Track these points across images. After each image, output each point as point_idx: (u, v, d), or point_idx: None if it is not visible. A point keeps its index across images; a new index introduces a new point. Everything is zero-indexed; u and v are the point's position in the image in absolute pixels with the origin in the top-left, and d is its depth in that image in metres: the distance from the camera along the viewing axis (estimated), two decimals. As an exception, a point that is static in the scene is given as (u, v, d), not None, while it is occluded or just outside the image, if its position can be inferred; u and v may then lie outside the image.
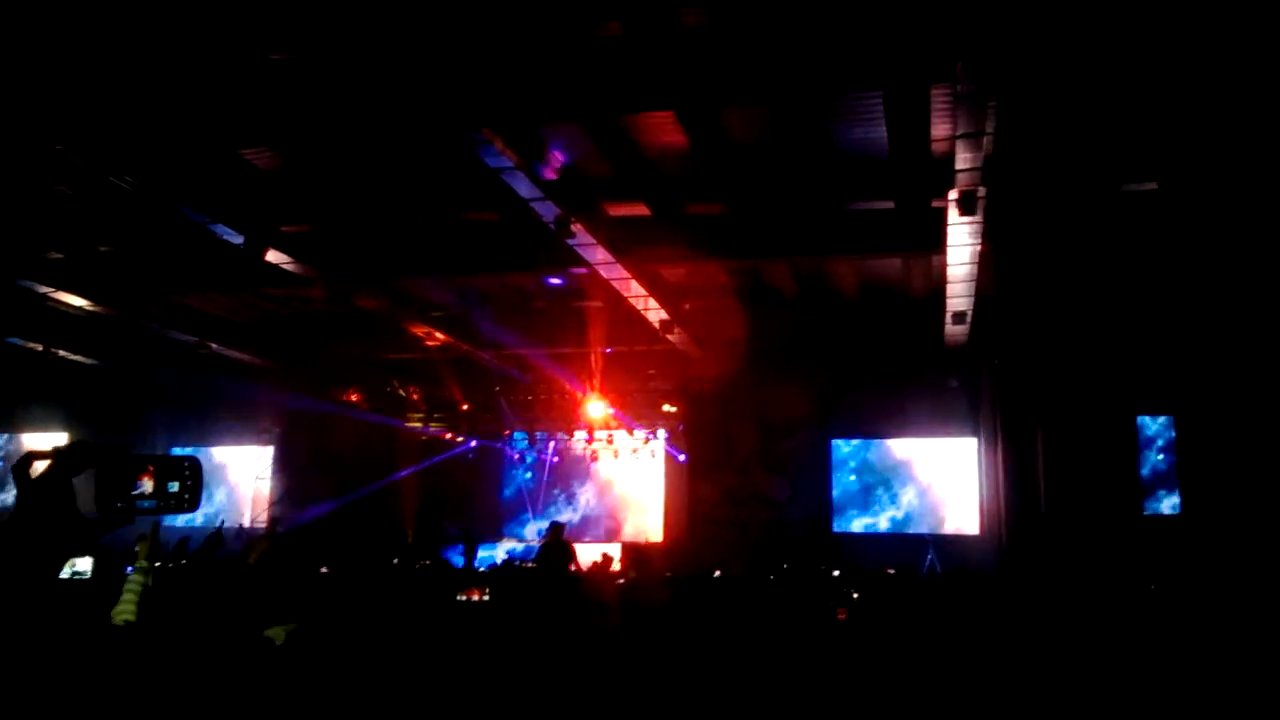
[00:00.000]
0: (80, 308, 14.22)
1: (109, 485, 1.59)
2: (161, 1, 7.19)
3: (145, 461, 1.65)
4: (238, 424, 19.05)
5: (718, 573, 12.15)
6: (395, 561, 12.29)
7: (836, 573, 11.49)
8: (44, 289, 13.17)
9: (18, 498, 1.51)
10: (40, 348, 16.53)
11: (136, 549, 2.71)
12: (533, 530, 18.67)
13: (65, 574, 6.12)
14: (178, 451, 19.44)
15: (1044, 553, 8.44)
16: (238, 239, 11.15)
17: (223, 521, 15.34)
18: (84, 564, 6.41)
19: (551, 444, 19.24)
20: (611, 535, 18.58)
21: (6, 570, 1.46)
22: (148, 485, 1.64)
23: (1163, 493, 14.77)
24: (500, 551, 18.04)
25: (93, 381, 18.07)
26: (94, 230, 12.11)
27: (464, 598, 4.38)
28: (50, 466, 1.56)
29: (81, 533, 1.55)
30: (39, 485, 1.52)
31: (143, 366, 18.02)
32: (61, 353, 16.95)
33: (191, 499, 1.66)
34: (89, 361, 17.66)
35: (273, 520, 18.77)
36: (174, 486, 1.66)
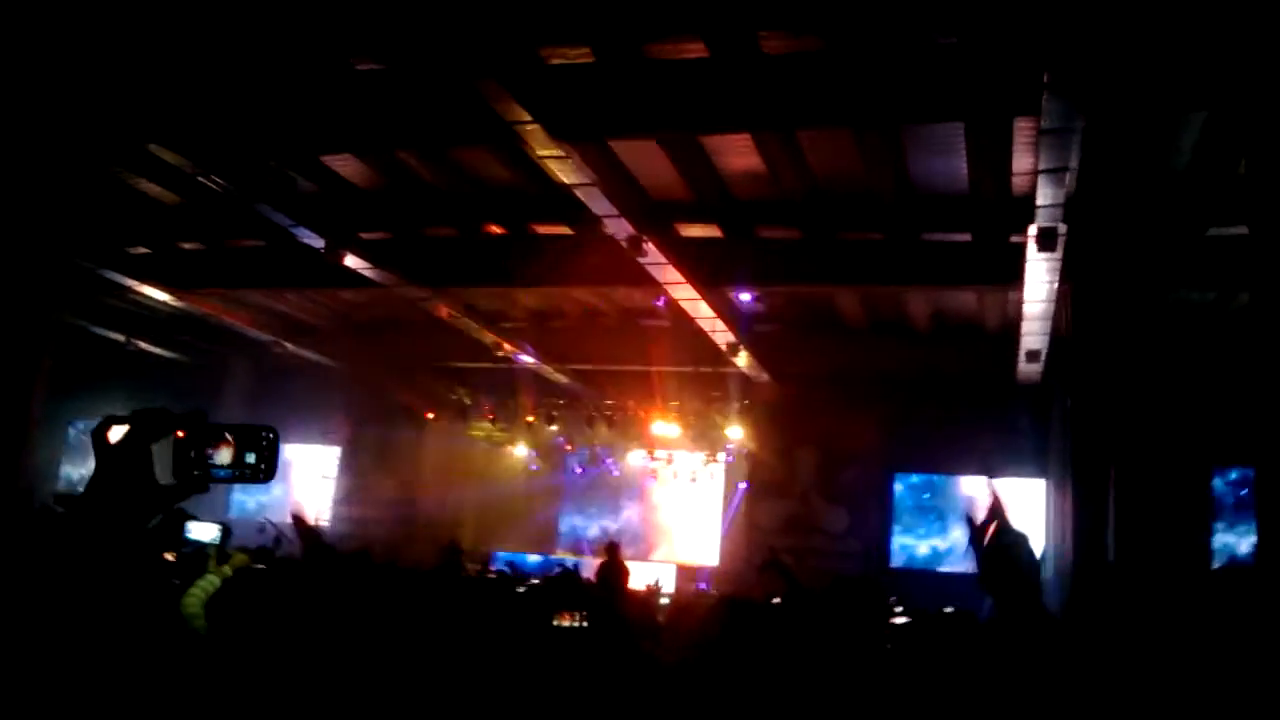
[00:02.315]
0: (162, 302, 14.64)
1: (186, 452, 1.60)
2: (258, 8, 7.40)
3: (223, 430, 1.65)
4: (306, 423, 19.37)
5: (776, 600, 12.00)
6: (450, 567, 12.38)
7: (898, 612, 11.28)
8: (128, 280, 13.58)
9: (96, 463, 1.52)
10: (122, 339, 17.05)
11: (209, 551, 2.75)
12: (569, 529, 18.80)
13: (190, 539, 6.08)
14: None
15: (1110, 601, 8.20)
16: (318, 243, 11.41)
17: (266, 519, 15.60)
18: (209, 533, 6.32)
19: (610, 460, 19.25)
20: (647, 554, 18.52)
21: (85, 536, 1.47)
22: (225, 454, 1.64)
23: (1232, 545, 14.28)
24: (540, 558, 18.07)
25: (169, 375, 18.55)
26: (180, 227, 12.47)
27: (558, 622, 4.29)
28: (128, 432, 1.57)
29: (157, 499, 1.56)
30: (116, 451, 1.53)
31: (219, 361, 18.49)
32: (141, 344, 17.47)
33: (268, 469, 1.66)
34: (167, 355, 18.17)
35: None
36: (251, 457, 1.65)
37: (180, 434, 1.60)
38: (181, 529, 6.17)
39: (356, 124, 9.10)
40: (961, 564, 16.20)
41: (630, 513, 19.66)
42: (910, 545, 16.67)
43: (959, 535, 16.46)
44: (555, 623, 3.98)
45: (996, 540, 2.62)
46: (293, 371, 18.10)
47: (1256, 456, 5.22)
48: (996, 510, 2.65)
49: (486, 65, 7.29)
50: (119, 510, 1.53)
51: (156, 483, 1.57)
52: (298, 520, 4.20)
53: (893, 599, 11.00)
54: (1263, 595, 4.67)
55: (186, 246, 13.23)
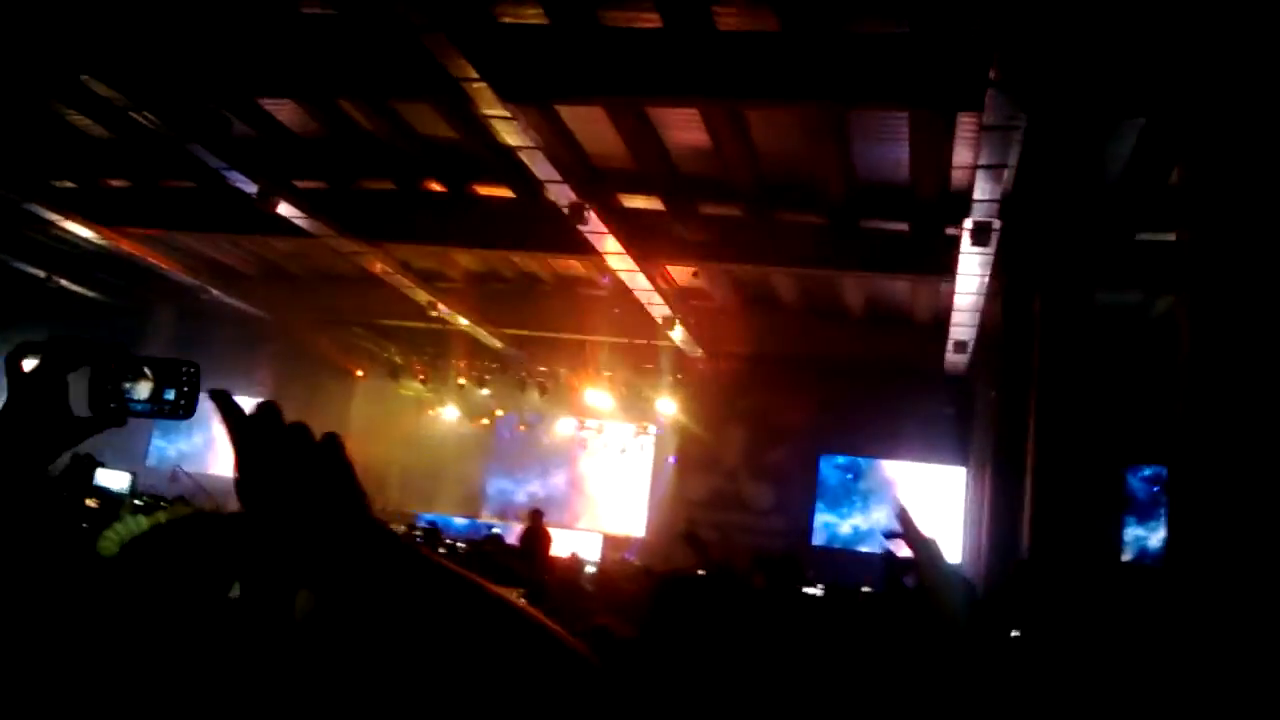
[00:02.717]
0: (86, 239, 14.18)
1: (103, 384, 1.52)
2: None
3: (143, 363, 1.57)
4: (230, 373, 18.95)
5: (700, 573, 12.13)
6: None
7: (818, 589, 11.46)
8: (52, 215, 13.11)
9: (9, 391, 1.45)
10: (42, 274, 16.49)
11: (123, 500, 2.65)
12: (497, 493, 18.80)
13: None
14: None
15: (1020, 594, 8.43)
16: (251, 188, 11.12)
17: (179, 469, 15.31)
18: (120, 480, 6.10)
19: (539, 425, 19.22)
20: (573, 521, 18.57)
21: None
22: (144, 388, 1.56)
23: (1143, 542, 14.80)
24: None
25: (90, 315, 18.00)
26: (107, 163, 12.06)
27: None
28: (42, 360, 1.50)
29: (72, 431, 1.49)
30: (30, 379, 1.46)
31: (142, 304, 17.99)
32: (63, 282, 16.91)
33: (188, 405, 1.58)
34: (89, 294, 17.61)
35: None
36: (170, 393, 1.57)
37: (98, 365, 1.53)
38: (91, 474, 5.97)
39: (299, 69, 8.86)
40: (882, 546, 16.54)
41: (558, 479, 19.65)
42: (833, 524, 16.95)
43: (880, 517, 16.80)
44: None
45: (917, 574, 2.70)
46: (219, 319, 17.68)
47: (1169, 456, 5.37)
48: (906, 526, 2.70)
49: (436, 18, 7.15)
50: (31, 440, 1.46)
51: (71, 414, 1.50)
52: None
53: (810, 575, 11.19)
54: (1171, 590, 4.83)
55: (114, 184, 12.82)
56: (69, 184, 12.70)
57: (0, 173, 11.68)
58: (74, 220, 13.29)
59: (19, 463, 1.42)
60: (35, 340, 1.51)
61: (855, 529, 16.93)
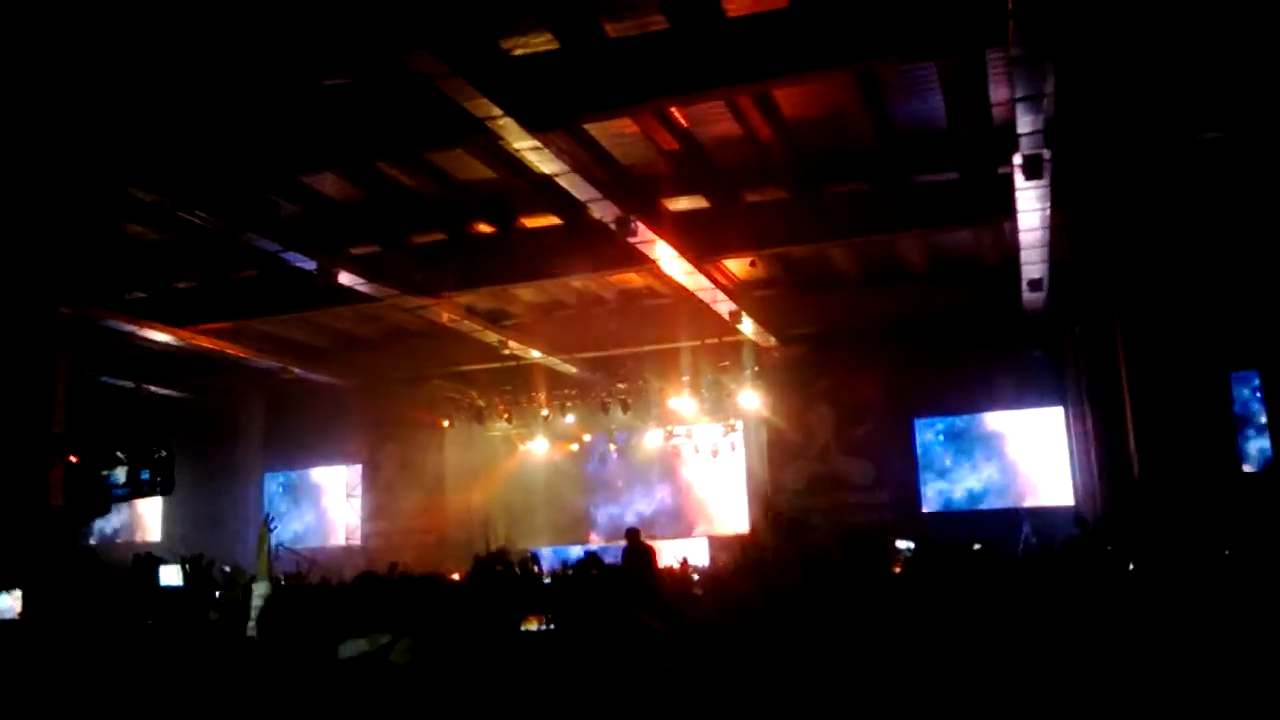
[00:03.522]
0: (165, 343, 14.68)
1: (79, 475, 1.57)
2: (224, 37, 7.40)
3: (114, 447, 1.62)
4: (326, 445, 19.45)
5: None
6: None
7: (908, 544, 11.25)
8: (129, 326, 13.61)
9: None
10: (131, 384, 17.11)
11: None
12: (606, 518, 18.83)
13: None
14: (271, 476, 20.07)
15: (1140, 518, 8.20)
16: (310, 265, 11.40)
17: (282, 546, 15.61)
18: (175, 575, 6.18)
19: (630, 442, 19.30)
20: (689, 531, 18.62)
21: None
22: (120, 473, 1.61)
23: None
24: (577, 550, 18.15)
25: (184, 416, 18.62)
26: (172, 266, 12.51)
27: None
28: (15, 460, 1.55)
29: (55, 523, 1.54)
30: (7, 476, 1.51)
31: (232, 396, 18.57)
32: (152, 388, 17.53)
33: (165, 481, 1.63)
34: (179, 395, 18.23)
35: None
36: (145, 473, 1.62)
37: (71, 458, 1.59)
38: (153, 573, 6.03)
39: (331, 139, 9.11)
40: (999, 501, 16.20)
41: (661, 493, 19.73)
42: (946, 490, 16.65)
43: (989, 472, 16.48)
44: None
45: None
46: (305, 396, 18.16)
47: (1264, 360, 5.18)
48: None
49: (451, 64, 7.27)
50: (13, 538, 1.52)
51: (50, 507, 1.56)
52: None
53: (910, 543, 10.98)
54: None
55: (182, 285, 13.28)
56: (140, 294, 13.19)
57: (74, 292, 12.18)
58: (150, 327, 13.78)
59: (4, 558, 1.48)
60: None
61: (969, 491, 16.61)
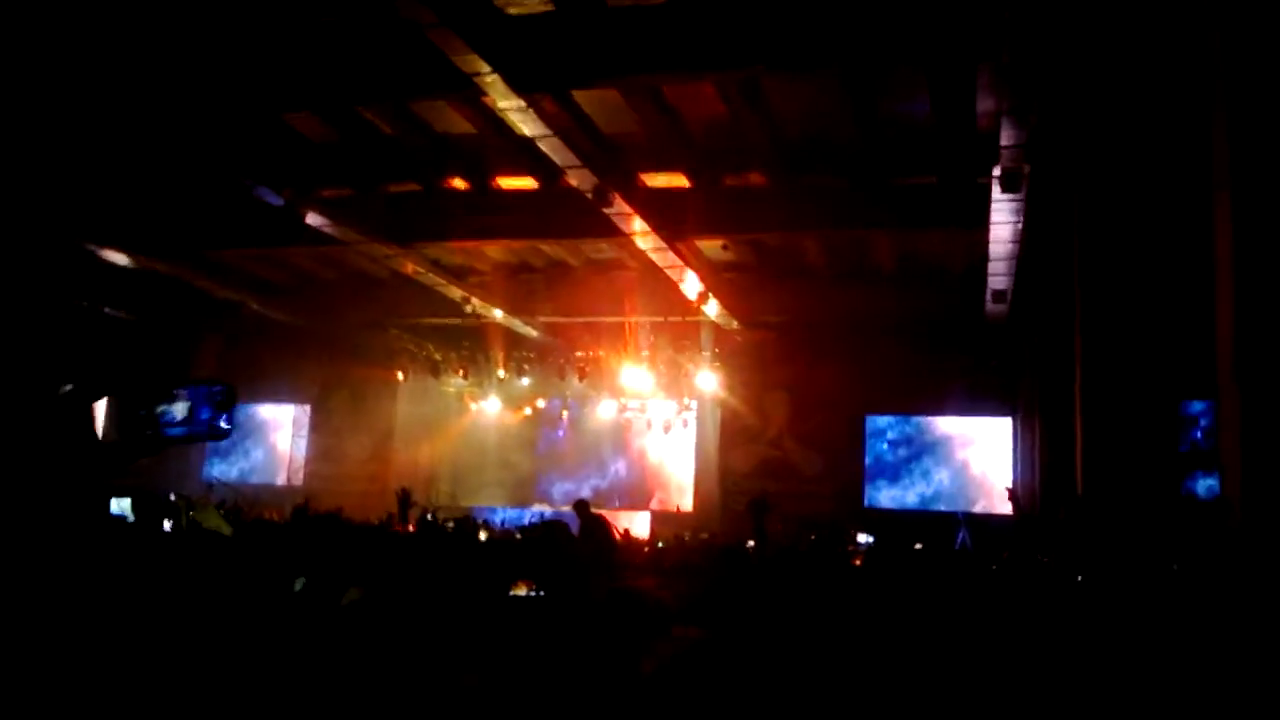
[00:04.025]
0: (125, 264, 14.38)
1: (134, 412, 1.51)
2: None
3: (174, 386, 1.55)
4: (278, 384, 19.23)
5: (750, 544, 12.14)
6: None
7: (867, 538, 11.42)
8: (90, 246, 13.33)
9: (33, 423, 1.44)
10: (85, 304, 16.75)
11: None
12: (562, 494, 18.82)
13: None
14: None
15: (1080, 533, 8.36)
16: (277, 201, 11.23)
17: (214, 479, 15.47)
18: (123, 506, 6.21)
19: (583, 410, 19.32)
20: (641, 504, 18.70)
21: (32, 498, 1.40)
22: (178, 412, 1.55)
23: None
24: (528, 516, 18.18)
25: (137, 340, 18.28)
26: (140, 187, 12.23)
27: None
28: (71, 391, 1.49)
29: (104, 460, 1.49)
30: (59, 410, 1.46)
31: (187, 326, 18.25)
32: (105, 310, 17.18)
33: (224, 427, 1.58)
34: (133, 318, 17.88)
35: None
36: (205, 415, 1.56)
37: (126, 394, 1.52)
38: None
39: (315, 79, 8.94)
40: (939, 505, 16.46)
41: (614, 465, 19.81)
42: (889, 488, 16.89)
43: (936, 476, 16.72)
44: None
45: None
46: (261, 334, 17.91)
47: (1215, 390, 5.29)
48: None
49: (444, 15, 7.16)
50: (60, 469, 1.46)
51: (98, 442, 1.50)
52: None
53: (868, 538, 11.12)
54: (1228, 529, 4.77)
55: (148, 206, 13.00)
56: (107, 216, 12.89)
57: (43, 211, 11.88)
58: (113, 250, 13.51)
59: (49, 491, 1.43)
60: (64, 372, 1.51)
61: (910, 491, 16.86)
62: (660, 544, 12.29)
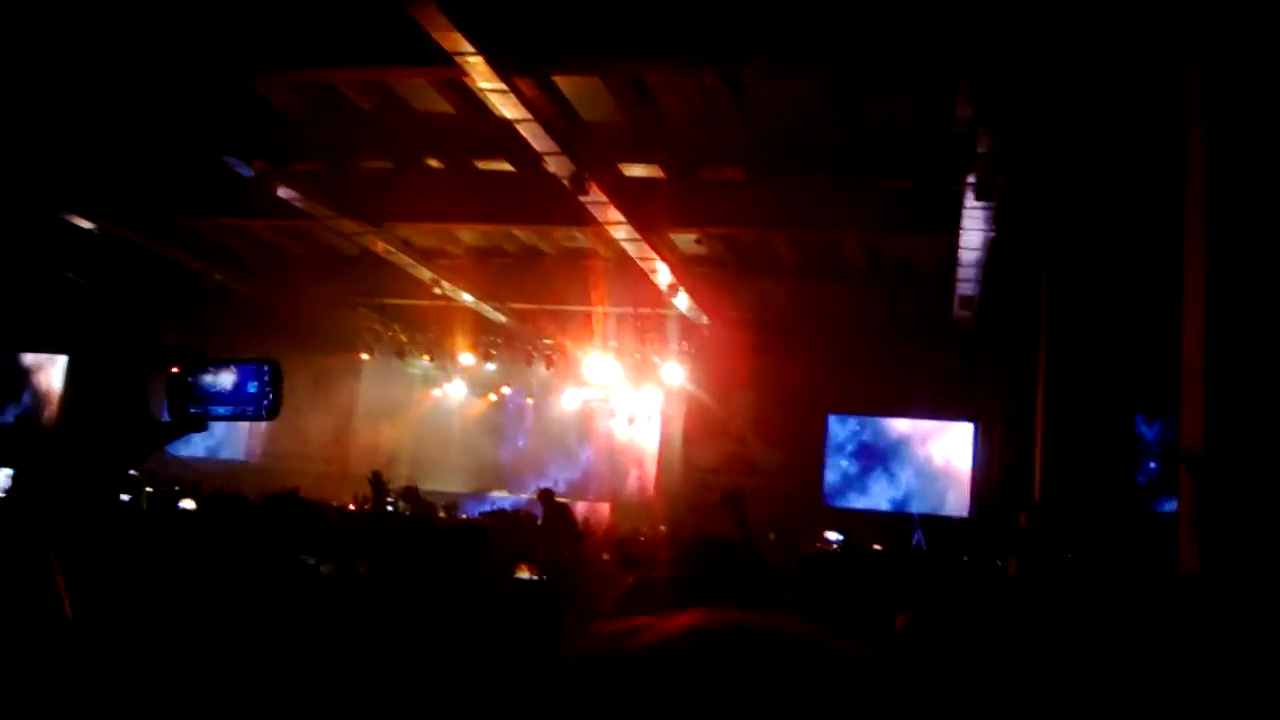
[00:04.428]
0: (90, 230, 14.14)
1: (182, 389, 1.46)
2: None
3: (220, 364, 1.51)
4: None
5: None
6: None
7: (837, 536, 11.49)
8: (58, 212, 13.09)
9: (82, 396, 1.41)
10: (47, 269, 16.45)
11: None
12: (523, 483, 18.76)
13: None
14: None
15: (1038, 539, 8.47)
16: (247, 172, 11.08)
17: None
18: None
19: (548, 398, 19.28)
20: (606, 495, 18.69)
21: (77, 475, 1.36)
22: (224, 388, 1.49)
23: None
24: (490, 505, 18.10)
25: (96, 307, 17.98)
26: (110, 152, 12.02)
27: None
28: (119, 363, 1.45)
29: (152, 436, 1.44)
30: (111, 385, 1.42)
31: (150, 293, 17.94)
32: (69, 276, 16.88)
33: (272, 406, 1.52)
34: (94, 284, 17.57)
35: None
36: (253, 387, 1.51)
37: (175, 368, 1.47)
38: None
39: (290, 49, 8.81)
40: (896, 504, 16.61)
41: (577, 454, 19.77)
42: (848, 487, 17.01)
43: (895, 476, 16.87)
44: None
45: None
46: (223, 304, 17.65)
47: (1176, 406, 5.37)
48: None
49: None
50: (109, 445, 1.41)
51: (151, 419, 1.45)
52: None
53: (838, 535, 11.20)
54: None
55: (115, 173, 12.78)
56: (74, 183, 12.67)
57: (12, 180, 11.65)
58: (80, 217, 13.27)
59: (99, 468, 1.38)
60: (108, 344, 1.46)
61: (869, 491, 16.99)
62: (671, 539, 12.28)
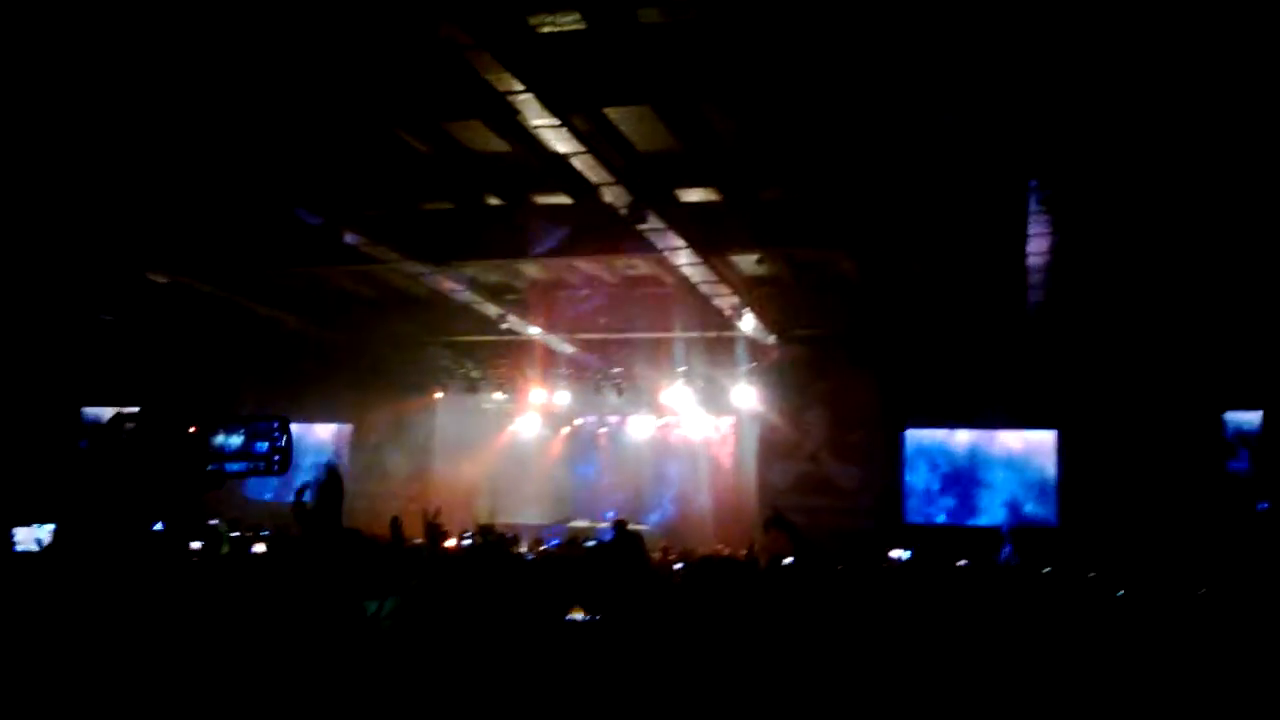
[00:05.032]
0: (166, 283, 14.62)
1: (198, 447, 1.52)
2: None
3: (233, 422, 1.57)
4: (320, 403, 19.39)
5: (787, 560, 12.05)
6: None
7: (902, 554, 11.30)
8: (137, 268, 13.58)
9: (107, 459, 1.46)
10: (127, 323, 17.03)
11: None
12: (599, 511, 18.81)
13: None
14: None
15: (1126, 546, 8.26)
16: (315, 221, 11.38)
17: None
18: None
19: (621, 426, 19.33)
20: (677, 519, 18.65)
21: (103, 533, 1.41)
22: (234, 444, 1.56)
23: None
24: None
25: (181, 357, 18.55)
26: (183, 209, 12.46)
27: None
28: (137, 429, 1.51)
29: (173, 496, 1.50)
30: (128, 448, 1.47)
31: (230, 342, 18.48)
32: (148, 328, 17.44)
33: (283, 461, 1.59)
34: (175, 336, 18.14)
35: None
36: (263, 446, 1.57)
37: (192, 429, 1.53)
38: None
39: (353, 106, 9.06)
40: (982, 519, 16.26)
41: (653, 482, 19.75)
42: (930, 504, 16.72)
43: (977, 489, 16.53)
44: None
45: None
46: (302, 351, 18.10)
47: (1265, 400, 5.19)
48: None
49: (480, 38, 7.22)
50: (132, 505, 1.47)
51: (170, 479, 1.51)
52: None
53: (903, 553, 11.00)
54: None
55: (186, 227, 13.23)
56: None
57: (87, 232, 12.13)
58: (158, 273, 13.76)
59: (123, 526, 1.44)
60: (128, 412, 1.53)
61: (952, 506, 16.68)
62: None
